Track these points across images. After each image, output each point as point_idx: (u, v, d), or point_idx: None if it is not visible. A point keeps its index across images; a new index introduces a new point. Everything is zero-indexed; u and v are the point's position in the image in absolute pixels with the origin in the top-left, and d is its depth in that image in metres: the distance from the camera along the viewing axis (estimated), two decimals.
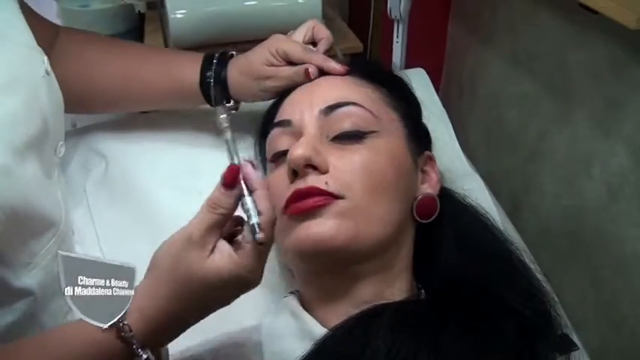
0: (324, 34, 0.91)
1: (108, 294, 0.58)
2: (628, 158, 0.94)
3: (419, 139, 0.81)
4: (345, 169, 0.70)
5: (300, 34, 0.91)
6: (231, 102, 0.93)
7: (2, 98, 0.66)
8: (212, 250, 0.59)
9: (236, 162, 0.62)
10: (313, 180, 0.69)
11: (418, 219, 0.76)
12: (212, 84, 0.90)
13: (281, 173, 0.73)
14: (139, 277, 0.61)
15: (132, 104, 1.00)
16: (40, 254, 0.74)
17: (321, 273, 0.72)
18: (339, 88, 0.78)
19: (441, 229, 0.77)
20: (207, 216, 0.59)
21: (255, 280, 0.61)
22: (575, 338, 0.73)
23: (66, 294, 0.56)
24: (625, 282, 0.97)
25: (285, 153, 0.74)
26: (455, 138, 1.09)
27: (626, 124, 0.94)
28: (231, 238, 0.61)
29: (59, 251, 0.58)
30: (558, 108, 1.11)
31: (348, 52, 1.54)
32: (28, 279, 0.73)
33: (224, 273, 0.58)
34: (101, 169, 0.99)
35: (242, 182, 0.61)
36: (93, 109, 1.00)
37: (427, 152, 0.82)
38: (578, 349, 0.70)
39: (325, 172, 0.70)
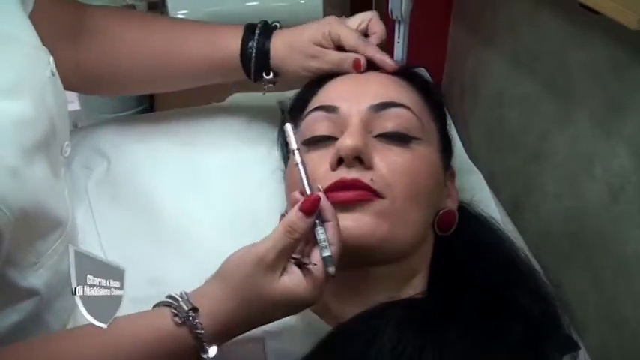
0: (379, 28, 0.88)
1: (107, 294, 0.60)
2: (629, 159, 0.94)
3: (448, 153, 0.81)
4: (388, 169, 0.70)
5: (355, 22, 0.88)
6: (271, 74, 0.89)
7: (10, 101, 0.66)
8: (282, 272, 0.61)
9: (307, 186, 0.65)
10: (359, 173, 0.69)
11: (437, 231, 0.76)
12: (253, 54, 0.87)
13: (316, 158, 0.73)
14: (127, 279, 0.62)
15: (173, 81, 0.98)
16: (47, 254, 0.74)
17: (341, 269, 0.72)
18: (390, 87, 0.78)
19: (453, 239, 0.78)
20: (282, 239, 0.61)
21: (315, 302, 0.64)
22: (576, 339, 0.73)
23: (77, 293, 0.57)
24: (626, 283, 0.96)
25: (324, 139, 0.73)
26: (456, 135, 1.09)
27: (627, 125, 0.94)
28: (296, 259, 0.63)
29: (70, 245, 0.58)
30: (559, 108, 1.11)
31: None
32: (35, 279, 0.73)
33: (291, 296, 0.61)
34: (103, 169, 0.99)
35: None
36: (133, 88, 1.00)
37: (451, 169, 0.83)
38: (580, 349, 0.70)
39: (369, 168, 0.70)
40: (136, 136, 1.05)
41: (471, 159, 1.09)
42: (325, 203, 0.63)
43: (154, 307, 0.63)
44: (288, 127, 0.69)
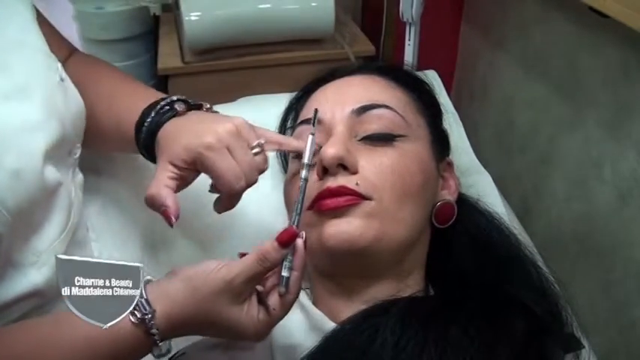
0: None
1: (108, 294, 0.60)
2: (638, 162, 0.94)
3: (441, 144, 0.82)
4: (374, 170, 0.71)
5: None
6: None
7: (19, 103, 0.67)
8: (244, 300, 0.62)
9: (295, 217, 0.65)
10: (344, 179, 0.70)
11: (436, 224, 0.77)
12: (143, 135, 0.77)
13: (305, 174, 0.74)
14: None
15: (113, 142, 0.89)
16: (46, 252, 0.74)
17: (339, 271, 0.72)
18: (371, 89, 0.78)
19: (455, 233, 0.78)
20: (253, 267, 0.61)
21: (256, 341, 0.65)
22: (584, 341, 0.73)
23: (63, 294, 0.58)
24: (635, 286, 0.97)
25: None
26: (465, 136, 1.09)
27: (636, 128, 0.94)
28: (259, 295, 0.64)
29: (56, 255, 0.59)
30: (569, 111, 1.11)
31: (361, 54, 1.56)
32: (37, 277, 0.73)
33: (240, 327, 0.62)
34: (111, 170, 1.00)
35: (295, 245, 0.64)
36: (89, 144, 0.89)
37: (447, 158, 0.83)
38: (584, 347, 0.71)
39: (355, 172, 0.71)
40: None
41: (480, 161, 1.09)
42: (300, 250, 0.64)
43: None
44: (310, 138, 0.70)
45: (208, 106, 0.81)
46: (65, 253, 0.75)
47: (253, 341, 0.65)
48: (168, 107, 0.77)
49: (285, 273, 0.63)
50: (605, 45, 1.00)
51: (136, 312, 0.60)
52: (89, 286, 0.59)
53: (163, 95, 0.81)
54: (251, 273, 0.61)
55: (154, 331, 0.60)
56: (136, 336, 0.60)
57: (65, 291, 0.58)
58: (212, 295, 0.61)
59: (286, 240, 0.62)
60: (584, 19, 1.03)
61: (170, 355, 0.73)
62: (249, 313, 0.62)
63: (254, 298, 0.63)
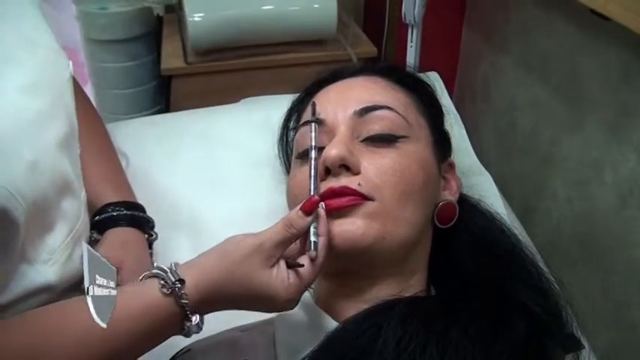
0: None
1: (107, 294, 0.62)
2: (639, 163, 0.94)
3: (443, 146, 0.83)
4: (376, 171, 0.72)
5: None
6: None
7: (30, 98, 0.69)
8: (273, 265, 0.64)
9: (312, 186, 0.69)
10: (346, 180, 0.71)
11: (438, 224, 0.77)
12: None
13: (308, 170, 0.74)
14: None
15: None
16: (59, 250, 0.76)
17: (342, 270, 0.73)
18: (373, 91, 0.79)
19: (456, 233, 0.79)
20: (281, 232, 0.65)
21: (287, 308, 0.67)
22: (584, 342, 0.74)
23: (89, 293, 0.59)
24: (635, 287, 0.97)
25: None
26: (466, 136, 1.09)
27: (637, 130, 0.95)
28: (292, 258, 0.67)
29: (84, 242, 0.60)
30: (570, 114, 1.12)
31: (363, 56, 1.57)
32: (50, 274, 0.74)
33: (270, 291, 0.64)
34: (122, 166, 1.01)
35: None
36: None
37: (449, 159, 0.84)
38: (584, 347, 0.71)
39: (357, 173, 0.72)
40: (153, 135, 1.07)
41: (481, 162, 1.10)
42: (323, 217, 0.68)
43: (142, 277, 0.65)
44: (313, 125, 0.73)
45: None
46: (72, 253, 0.77)
47: (285, 308, 0.66)
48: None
49: (313, 238, 0.66)
50: (606, 47, 1.00)
51: (165, 284, 0.61)
52: (101, 286, 0.62)
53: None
54: (279, 237, 0.64)
55: (184, 301, 0.61)
56: (167, 309, 0.62)
57: (91, 290, 0.60)
58: (242, 258, 0.63)
59: (309, 207, 0.66)
60: (585, 21, 1.03)
61: (175, 353, 0.74)
62: (280, 276, 0.64)
63: (282, 264, 0.65)
